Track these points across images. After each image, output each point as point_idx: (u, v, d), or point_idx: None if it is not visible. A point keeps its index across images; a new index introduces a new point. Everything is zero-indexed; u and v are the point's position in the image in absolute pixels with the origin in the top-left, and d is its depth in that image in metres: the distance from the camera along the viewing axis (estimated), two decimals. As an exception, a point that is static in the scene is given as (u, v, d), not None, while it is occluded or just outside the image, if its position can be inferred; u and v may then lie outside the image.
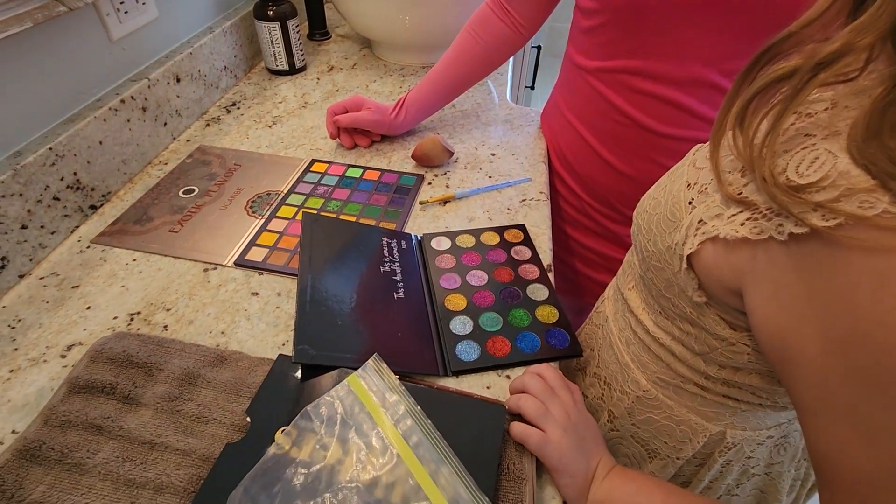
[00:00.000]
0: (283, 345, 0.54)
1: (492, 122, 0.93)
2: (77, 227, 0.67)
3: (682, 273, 0.36)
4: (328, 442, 0.40)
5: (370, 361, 0.46)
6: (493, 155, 0.85)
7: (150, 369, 0.46)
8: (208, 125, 0.89)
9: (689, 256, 0.35)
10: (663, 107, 0.66)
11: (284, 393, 0.45)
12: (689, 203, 0.37)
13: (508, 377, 0.52)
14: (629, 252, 0.55)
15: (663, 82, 0.65)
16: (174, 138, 0.85)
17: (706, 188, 0.35)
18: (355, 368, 0.47)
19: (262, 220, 0.69)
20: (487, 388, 0.51)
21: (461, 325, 0.56)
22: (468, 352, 0.53)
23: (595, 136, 0.75)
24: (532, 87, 1.75)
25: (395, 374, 0.49)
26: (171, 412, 0.43)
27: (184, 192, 0.73)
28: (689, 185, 0.38)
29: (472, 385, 0.51)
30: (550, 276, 0.63)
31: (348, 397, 0.42)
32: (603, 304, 0.60)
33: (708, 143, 0.41)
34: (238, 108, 0.94)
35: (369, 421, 0.41)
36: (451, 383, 0.51)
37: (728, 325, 0.37)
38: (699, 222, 0.35)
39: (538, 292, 0.60)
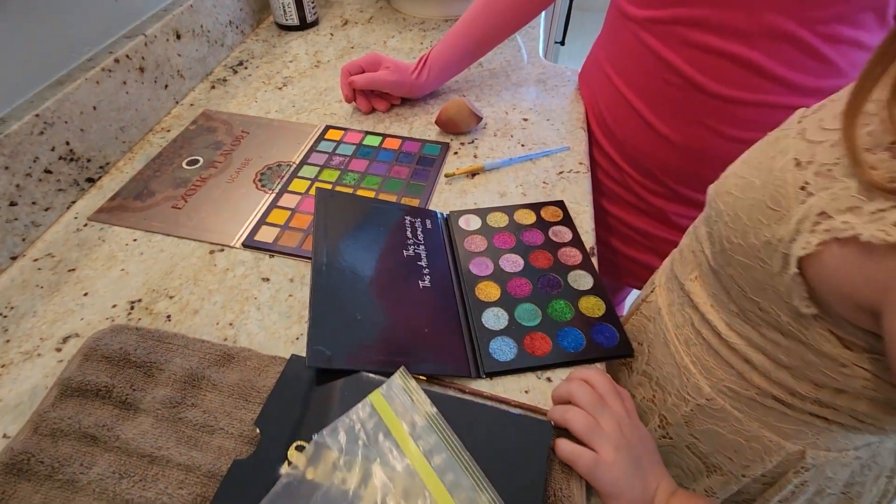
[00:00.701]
0: (297, 339, 0.48)
1: (523, 83, 0.84)
2: (73, 202, 0.62)
3: (788, 277, 0.29)
4: (348, 467, 0.35)
5: (396, 377, 0.41)
6: (525, 120, 0.76)
7: (150, 369, 0.42)
8: (213, 87, 0.82)
9: (801, 259, 0.28)
10: (725, 64, 0.57)
11: (298, 400, 0.40)
12: (802, 188, 0.29)
13: (549, 380, 0.46)
14: (689, 236, 0.47)
15: (727, 35, 0.55)
16: (177, 102, 0.78)
17: (831, 170, 0.27)
18: (377, 373, 0.41)
19: (273, 195, 0.63)
20: (525, 392, 0.45)
21: (495, 319, 0.50)
22: (503, 350, 0.47)
23: (641, 98, 0.66)
24: (562, 43, 1.60)
25: (423, 376, 0.43)
26: (173, 420, 0.39)
27: (188, 164, 0.67)
28: (798, 163, 0.30)
29: (508, 389, 0.45)
30: (594, 260, 0.56)
31: (371, 419, 0.37)
32: (654, 293, 0.52)
33: (817, 110, 0.33)
34: (245, 69, 0.86)
35: (395, 449, 0.36)
36: (484, 386, 0.45)
37: (841, 342, 0.30)
38: (819, 215, 0.27)
39: (581, 280, 0.53)
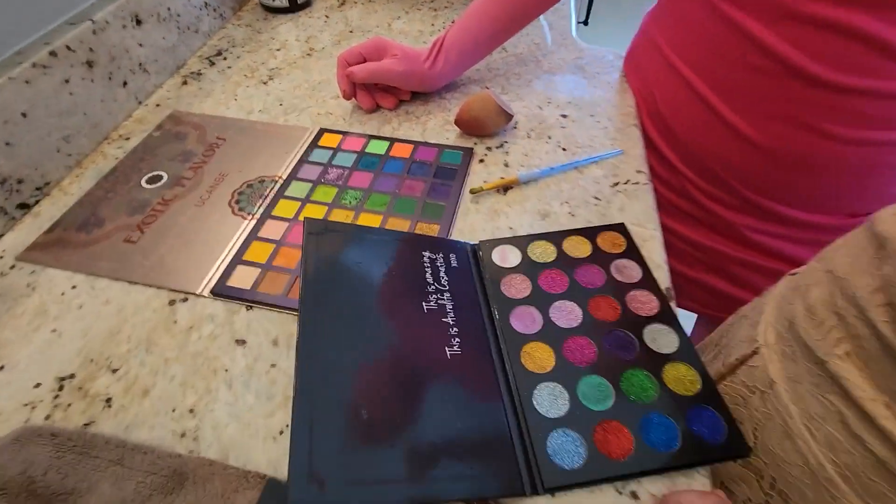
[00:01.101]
0: (281, 433, 0.35)
1: (557, 70, 0.69)
2: (0, 236, 0.49)
3: None
4: None
5: None
6: (564, 117, 0.62)
7: (65, 502, 0.29)
8: (185, 83, 0.68)
9: None
10: (841, 42, 0.42)
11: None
12: None
13: (636, 496, 0.33)
14: (823, 283, 0.33)
15: (854, 4, 0.41)
16: (140, 103, 0.64)
17: None
18: (393, 504, 0.28)
19: (253, 222, 0.49)
20: (603, 516, 0.32)
21: (551, 401, 0.36)
22: (568, 450, 0.34)
23: (714, 87, 0.52)
24: (585, 23, 1.44)
25: (460, 501, 0.30)
26: None
27: (148, 181, 0.53)
28: None
29: (578, 511, 0.32)
30: (674, 306, 0.42)
31: None
32: (758, 356, 0.38)
33: None
34: (224, 59, 0.72)
35: None
36: (543, 508, 0.32)
37: None
38: None
39: (662, 339, 0.40)
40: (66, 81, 0.53)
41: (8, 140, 0.48)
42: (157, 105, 0.64)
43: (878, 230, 0.29)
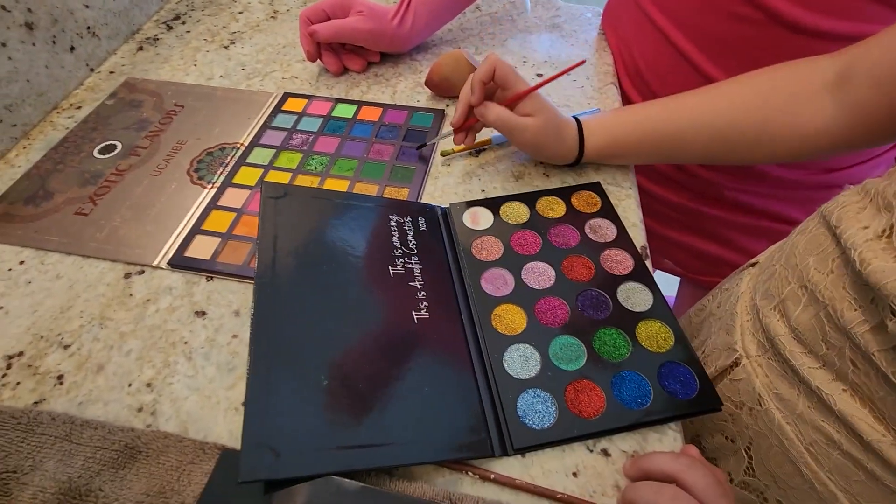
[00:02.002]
0: (243, 404, 0.34)
1: (533, 29, 0.67)
2: (-60, 212, 0.46)
3: None
4: None
5: None
6: (539, 76, 0.60)
7: (7, 483, 0.27)
8: (141, 49, 0.64)
9: None
10: None
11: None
12: None
13: (607, 454, 0.32)
14: (807, 302, 0.32)
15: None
16: (91, 70, 0.60)
17: None
18: (354, 475, 0.27)
19: (213, 191, 0.47)
20: (574, 475, 0.31)
21: (522, 362, 0.35)
22: (538, 411, 0.33)
23: (694, 40, 0.50)
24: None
25: (428, 464, 0.29)
26: (37, 572, 0.25)
27: (100, 151, 0.51)
28: None
29: (549, 471, 0.31)
30: (648, 265, 0.41)
31: None
32: (742, 369, 0.37)
33: None
34: (183, 24, 0.68)
35: None
36: (514, 469, 0.31)
37: None
38: None
39: (636, 297, 0.39)
40: (3, 45, 0.49)
41: (-58, 108, 0.45)
42: (111, 72, 0.60)
43: (861, 270, 0.27)
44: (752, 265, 0.43)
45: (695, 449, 0.31)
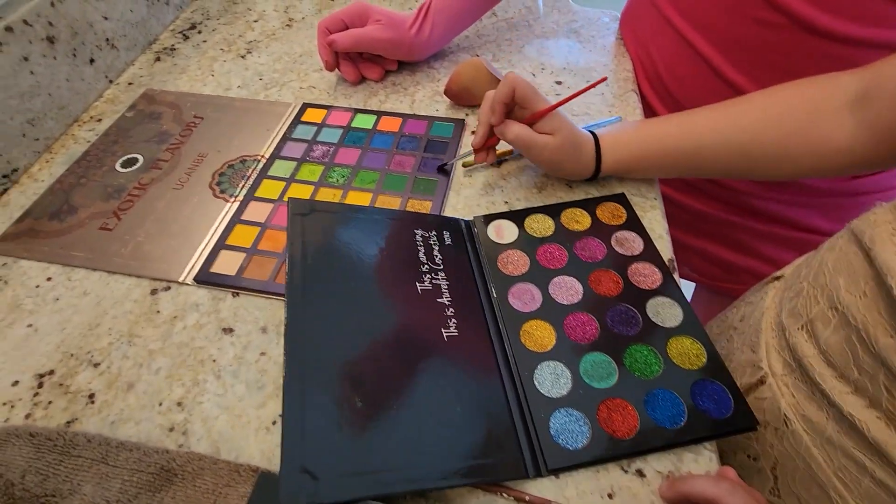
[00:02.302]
0: (274, 423, 0.34)
1: (550, 34, 0.66)
2: (-33, 228, 0.46)
3: None
4: None
5: None
6: (559, 83, 0.59)
7: (47, 507, 0.27)
8: (158, 59, 0.64)
9: None
10: None
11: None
12: None
13: (642, 474, 0.32)
14: (836, 327, 0.31)
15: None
16: (110, 81, 0.60)
17: None
18: (388, 499, 0.27)
19: (236, 205, 0.47)
20: (609, 496, 0.31)
21: (552, 380, 0.35)
22: (571, 430, 0.33)
23: (717, 46, 0.49)
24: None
25: (462, 487, 0.29)
26: None
27: (123, 165, 0.51)
28: None
29: (583, 492, 0.31)
30: (677, 279, 0.41)
31: None
32: (767, 387, 0.36)
33: None
34: (199, 33, 0.68)
35: None
36: (549, 490, 0.31)
37: None
38: None
39: (665, 313, 0.38)
40: (26, 59, 0.49)
41: (-33, 125, 0.45)
42: (130, 83, 0.61)
43: (880, 267, 0.27)
44: (777, 279, 0.43)
45: (732, 471, 0.31)
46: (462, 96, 0.54)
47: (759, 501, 0.28)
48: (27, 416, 0.35)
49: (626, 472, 0.32)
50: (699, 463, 0.32)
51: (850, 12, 0.41)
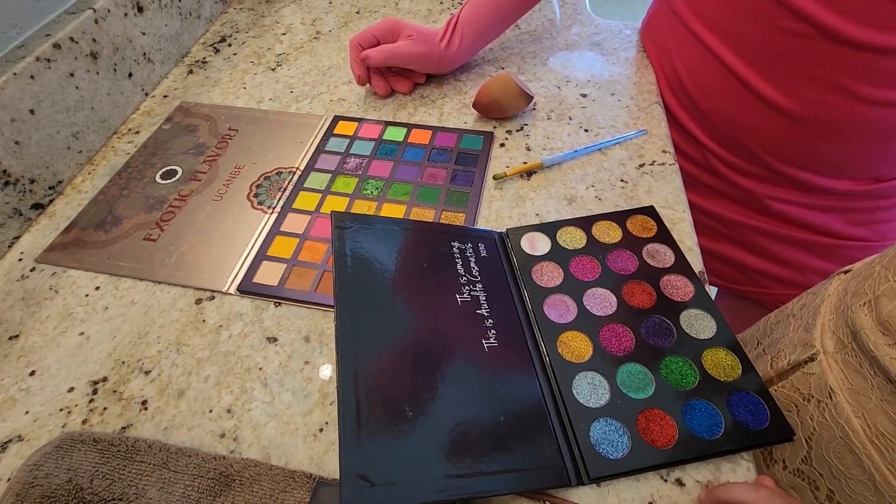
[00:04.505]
0: (321, 430, 0.35)
1: (573, 47, 0.67)
2: (16, 238, 0.48)
3: None
4: None
5: None
6: (583, 96, 0.60)
7: (114, 510, 0.29)
8: (191, 72, 0.66)
9: None
10: (879, 1, 0.41)
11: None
12: None
13: (681, 483, 0.33)
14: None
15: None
16: (146, 94, 0.62)
17: None
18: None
19: (274, 216, 0.48)
20: (650, 504, 0.32)
21: (591, 390, 0.36)
22: (611, 440, 0.34)
23: (742, 55, 0.50)
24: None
25: (507, 495, 0.30)
26: None
27: (162, 176, 0.52)
28: None
29: (626, 500, 0.32)
30: (709, 290, 0.42)
31: None
32: (816, 364, 0.37)
33: None
34: (229, 46, 0.70)
35: None
36: (590, 497, 0.32)
37: None
38: None
39: (699, 324, 0.39)
40: (72, 75, 0.51)
41: (17, 139, 0.47)
42: (165, 96, 0.62)
43: None
44: (846, 272, 0.43)
45: (770, 480, 0.31)
46: (491, 109, 0.56)
47: None
48: (84, 422, 0.36)
49: (665, 480, 0.33)
50: (737, 472, 0.33)
51: (873, 20, 0.42)
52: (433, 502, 0.29)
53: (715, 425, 0.34)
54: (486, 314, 0.39)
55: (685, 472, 0.33)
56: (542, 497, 0.32)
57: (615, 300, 0.41)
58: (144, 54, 0.61)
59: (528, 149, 0.54)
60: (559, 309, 0.40)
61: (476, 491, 0.30)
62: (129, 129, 0.58)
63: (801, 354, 0.39)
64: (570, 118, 0.57)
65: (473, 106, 0.57)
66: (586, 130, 0.56)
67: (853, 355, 0.35)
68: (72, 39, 0.51)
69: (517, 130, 0.56)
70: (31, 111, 0.47)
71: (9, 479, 0.31)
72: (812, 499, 0.36)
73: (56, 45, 0.49)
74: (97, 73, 0.54)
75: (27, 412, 0.36)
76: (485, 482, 0.30)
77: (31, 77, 0.47)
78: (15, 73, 0.46)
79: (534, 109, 0.59)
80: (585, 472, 0.32)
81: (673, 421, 0.34)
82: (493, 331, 0.38)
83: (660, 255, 0.44)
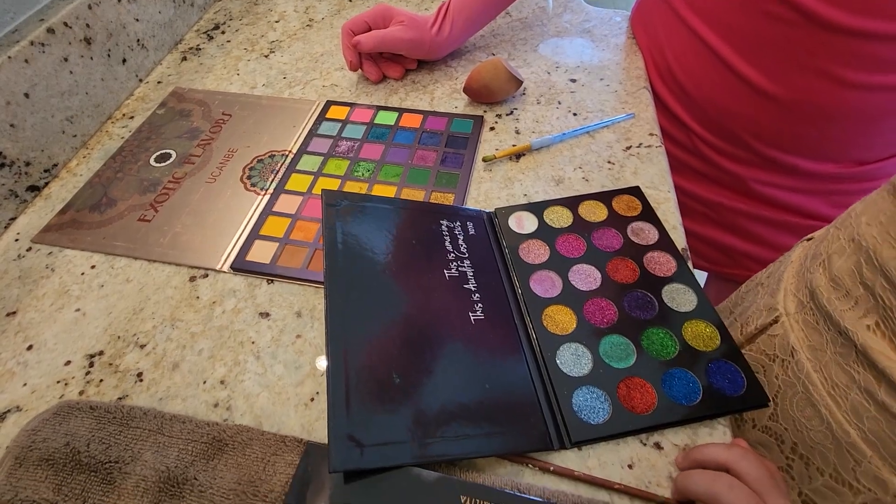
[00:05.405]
0: (312, 400, 0.36)
1: (564, 34, 0.68)
2: (12, 219, 0.48)
3: None
4: None
5: None
6: (572, 81, 0.61)
7: (111, 472, 0.30)
8: (185, 59, 0.66)
9: None
10: None
11: (322, 511, 0.28)
12: None
13: (659, 447, 0.34)
14: (846, 253, 0.34)
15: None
16: (140, 80, 0.63)
17: None
18: (428, 465, 0.29)
19: (266, 197, 0.49)
20: (629, 466, 0.33)
21: (574, 360, 0.37)
22: (593, 407, 0.35)
23: (729, 41, 0.51)
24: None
25: (493, 457, 0.31)
26: (146, 554, 0.27)
27: (156, 160, 0.53)
28: None
29: (605, 462, 0.33)
30: (691, 267, 0.43)
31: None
32: (779, 325, 0.39)
33: None
34: (223, 33, 0.70)
35: None
36: (572, 461, 0.33)
37: None
38: None
39: (680, 298, 0.40)
40: (66, 60, 0.52)
41: (12, 122, 0.47)
42: (159, 82, 0.63)
43: None
44: (809, 239, 0.45)
45: (744, 442, 0.33)
46: (481, 94, 0.56)
47: (769, 467, 0.30)
48: (80, 393, 0.37)
49: (644, 444, 0.34)
50: (713, 437, 0.34)
51: (859, 6, 0.43)
52: (419, 463, 0.30)
53: (693, 392, 0.35)
54: (473, 289, 0.40)
55: (664, 437, 0.34)
56: (526, 460, 0.33)
57: (600, 276, 0.42)
58: (138, 41, 0.61)
59: (517, 132, 0.55)
60: (545, 284, 0.41)
61: (461, 452, 0.31)
62: (124, 115, 0.59)
63: (767, 318, 0.40)
64: (560, 102, 0.58)
65: (464, 91, 0.58)
66: (575, 114, 0.57)
67: (811, 314, 0.36)
68: (66, 24, 0.51)
69: (507, 115, 0.57)
70: (26, 95, 0.48)
71: (7, 447, 0.32)
72: (778, 452, 0.38)
73: (50, 30, 0.50)
74: (91, 58, 0.55)
75: (25, 384, 0.37)
76: (470, 444, 0.31)
77: (26, 61, 0.48)
78: (9, 57, 0.46)
79: (523, 94, 0.59)
80: (567, 436, 0.33)
81: (653, 389, 0.35)
82: (479, 304, 0.39)
83: (644, 233, 0.45)
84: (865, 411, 0.31)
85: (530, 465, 0.33)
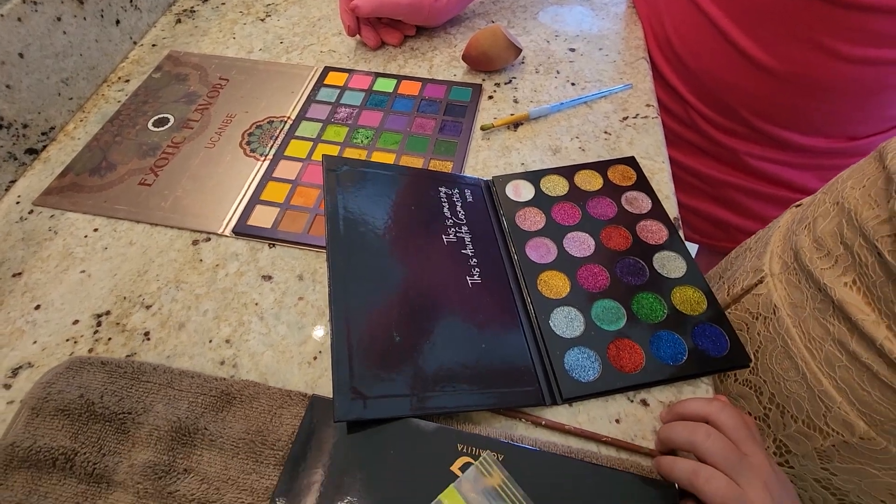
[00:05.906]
0: (315, 358, 0.38)
1: (564, 2, 0.67)
2: (12, 182, 0.48)
3: None
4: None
5: (477, 468, 0.29)
6: (571, 51, 0.61)
7: (125, 423, 0.31)
8: (179, 21, 0.65)
9: None
10: None
11: (328, 457, 0.30)
12: None
13: (646, 403, 0.36)
14: (829, 215, 0.35)
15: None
16: (135, 43, 0.62)
17: None
18: (427, 417, 0.31)
19: (266, 163, 0.49)
20: (617, 421, 0.35)
21: (567, 323, 0.38)
22: (583, 366, 0.36)
23: (729, 13, 0.51)
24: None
25: (488, 411, 0.33)
26: (161, 496, 0.29)
27: (154, 124, 0.53)
28: None
29: (594, 418, 0.35)
30: (682, 236, 0.44)
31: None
32: (764, 285, 0.41)
33: None
34: (217, -5, 0.69)
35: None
36: (563, 415, 0.35)
37: None
38: None
39: (671, 265, 0.42)
40: (59, 19, 0.51)
41: (7, 83, 0.47)
42: (153, 45, 0.62)
43: (890, 167, 0.30)
44: (798, 205, 0.46)
45: (724, 397, 0.35)
46: (480, 61, 0.56)
47: (747, 420, 0.32)
48: (90, 351, 0.38)
49: (631, 401, 0.36)
50: (696, 394, 0.36)
51: None
52: (419, 415, 0.31)
53: (679, 353, 0.37)
54: (470, 254, 0.41)
55: (650, 394, 0.36)
56: (519, 415, 0.35)
57: (593, 243, 0.43)
58: (131, 1, 0.60)
59: (515, 101, 0.55)
60: (540, 250, 0.43)
61: (458, 406, 0.33)
62: (119, 78, 0.58)
63: (753, 279, 0.42)
64: (558, 72, 0.58)
65: (463, 58, 0.57)
66: (573, 84, 0.57)
67: (794, 274, 0.38)
68: (57, -18, 0.50)
69: (505, 83, 0.57)
70: (21, 55, 0.47)
71: (21, 401, 0.33)
72: (756, 403, 0.40)
73: (42, -12, 0.49)
74: (84, 18, 0.54)
75: (35, 342, 0.38)
76: (467, 398, 0.33)
77: (19, 19, 0.47)
78: (2, 15, 0.46)
79: (522, 63, 0.59)
80: (559, 393, 0.35)
81: (641, 350, 0.37)
82: (476, 269, 0.40)
83: (638, 202, 0.46)
84: (838, 361, 0.33)
85: (523, 420, 0.35)
